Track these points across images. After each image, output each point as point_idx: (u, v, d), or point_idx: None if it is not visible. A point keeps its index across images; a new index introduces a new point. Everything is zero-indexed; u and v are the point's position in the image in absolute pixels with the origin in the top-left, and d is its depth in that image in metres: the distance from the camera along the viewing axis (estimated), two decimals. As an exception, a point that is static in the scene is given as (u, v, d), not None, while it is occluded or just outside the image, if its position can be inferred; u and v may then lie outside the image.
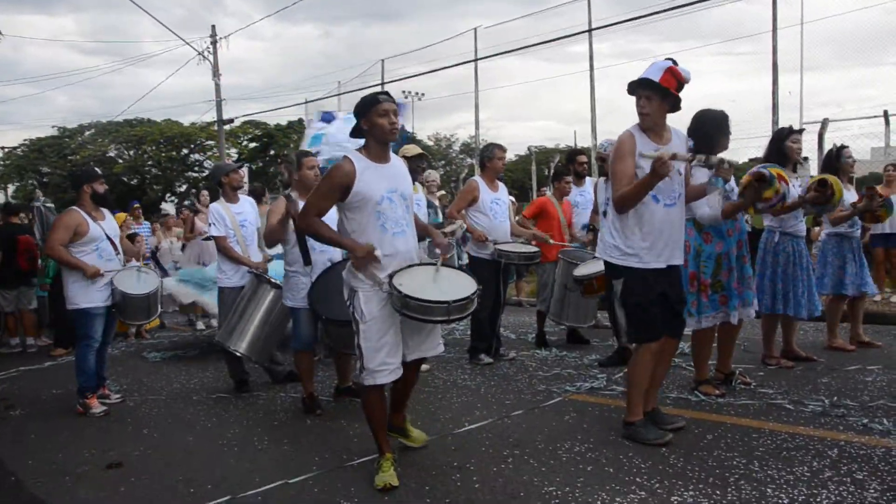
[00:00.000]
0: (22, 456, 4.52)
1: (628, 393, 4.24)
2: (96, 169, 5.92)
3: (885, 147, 12.54)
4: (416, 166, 6.20)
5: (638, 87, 3.97)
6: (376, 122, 3.65)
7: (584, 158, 7.48)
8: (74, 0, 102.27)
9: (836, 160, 6.24)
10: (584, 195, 7.30)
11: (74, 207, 5.58)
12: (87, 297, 5.44)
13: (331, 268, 5.05)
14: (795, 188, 5.40)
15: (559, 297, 6.86)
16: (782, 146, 5.45)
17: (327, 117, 6.84)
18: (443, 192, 11.82)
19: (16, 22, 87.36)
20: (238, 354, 5.71)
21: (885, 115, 12.00)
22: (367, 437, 4.40)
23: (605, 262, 4.22)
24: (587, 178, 7.45)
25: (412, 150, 6.33)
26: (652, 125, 4.00)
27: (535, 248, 6.70)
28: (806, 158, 14.54)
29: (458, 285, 3.68)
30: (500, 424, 4.62)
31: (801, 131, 5.68)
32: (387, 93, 3.78)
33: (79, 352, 5.53)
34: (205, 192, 10.16)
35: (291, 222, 4.93)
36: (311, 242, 5.01)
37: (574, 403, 5.04)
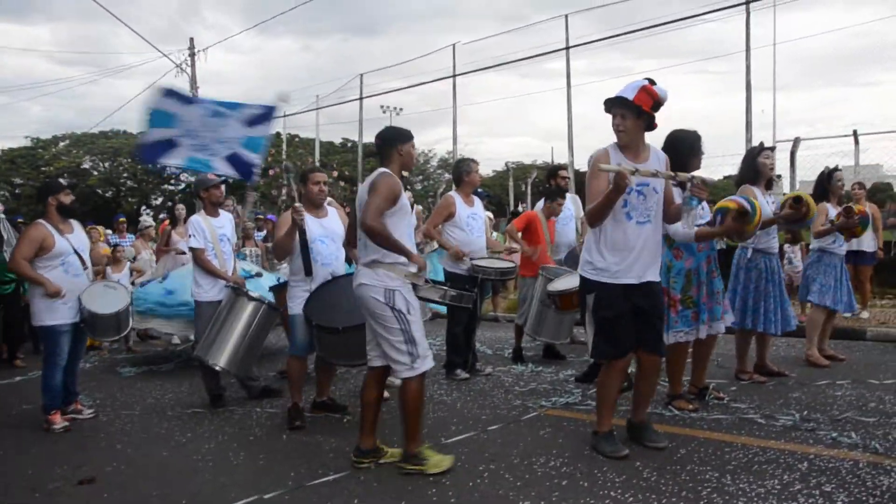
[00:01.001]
0: (-8, 472, 4.46)
1: (597, 407, 4.32)
2: (61, 180, 5.86)
3: (855, 166, 12.77)
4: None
5: (613, 105, 4.04)
6: (410, 152, 4.22)
7: (565, 173, 7.56)
8: (50, 9, 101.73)
9: (827, 181, 6.49)
10: (565, 211, 7.36)
11: (41, 221, 5.48)
12: (53, 314, 5.34)
13: (331, 280, 5.17)
14: (770, 205, 5.52)
15: (537, 312, 6.90)
16: (755, 163, 5.57)
17: (184, 95, 6.16)
18: (419, 207, 11.87)
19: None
20: (217, 369, 5.66)
21: (855, 134, 12.25)
22: (343, 453, 4.43)
23: (581, 277, 4.28)
24: (567, 195, 7.53)
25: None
26: (628, 143, 4.06)
27: (511, 264, 6.75)
28: (779, 176, 14.83)
29: None
30: (476, 439, 4.64)
31: (772, 148, 5.83)
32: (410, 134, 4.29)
33: (45, 370, 5.43)
34: (180, 206, 10.10)
35: (298, 234, 5.07)
36: (314, 255, 5.14)
37: (549, 418, 5.07)
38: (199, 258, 5.92)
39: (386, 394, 5.81)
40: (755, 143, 14.74)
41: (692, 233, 4.63)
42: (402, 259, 4.02)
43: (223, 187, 6.34)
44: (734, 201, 4.53)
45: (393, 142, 4.18)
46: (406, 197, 4.19)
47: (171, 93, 5.74)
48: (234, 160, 5.69)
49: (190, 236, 5.98)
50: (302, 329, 5.15)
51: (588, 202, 4.06)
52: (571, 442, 4.47)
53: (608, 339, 4.14)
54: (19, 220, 12.56)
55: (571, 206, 7.51)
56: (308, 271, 5.13)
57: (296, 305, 5.17)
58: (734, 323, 5.68)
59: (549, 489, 3.68)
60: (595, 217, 4.00)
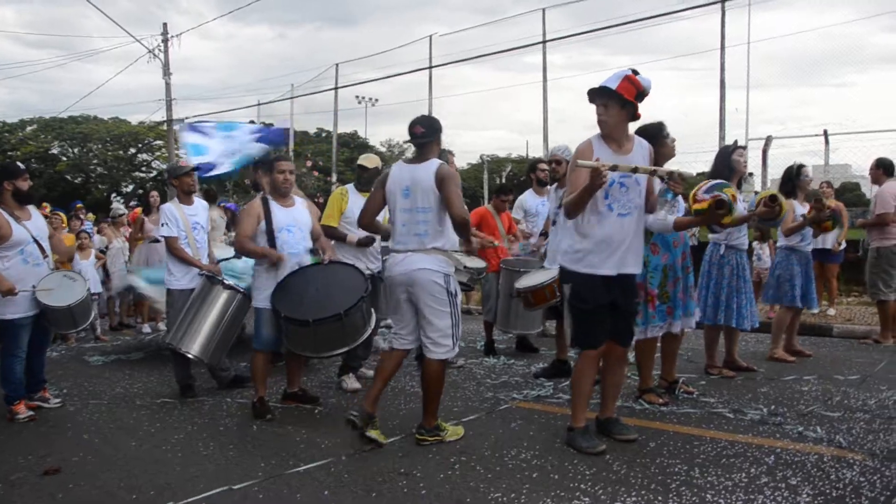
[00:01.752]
0: (-47, 462, 4.36)
1: (572, 400, 4.31)
2: (19, 164, 5.63)
3: (825, 165, 12.99)
4: (374, 177, 6.19)
5: (596, 95, 4.03)
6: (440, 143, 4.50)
7: (544, 167, 7.54)
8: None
9: (795, 177, 6.53)
10: (547, 204, 7.35)
11: None
12: (11, 306, 5.16)
13: (298, 270, 5.10)
14: (741, 202, 5.58)
15: (504, 306, 6.89)
16: (729, 161, 5.62)
17: (203, 129, 7.26)
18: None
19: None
20: (189, 357, 5.58)
21: (825, 133, 12.45)
22: (313, 444, 4.41)
23: (559, 267, 4.29)
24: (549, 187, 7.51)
25: (373, 160, 6.28)
26: (610, 132, 4.07)
27: (483, 263, 6.73)
28: (751, 174, 14.99)
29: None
30: (448, 431, 4.64)
31: (745, 147, 5.90)
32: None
33: (4, 361, 5.28)
34: (154, 193, 9.97)
35: (265, 224, 5.10)
36: (280, 244, 5.09)
37: (521, 411, 5.09)
38: (171, 246, 5.87)
39: (356, 385, 5.84)
40: (729, 140, 14.93)
41: (669, 223, 4.63)
42: (452, 246, 4.40)
43: (195, 175, 6.28)
44: (712, 196, 4.56)
45: (435, 132, 4.42)
46: None
47: (193, 127, 7.32)
48: (261, 136, 6.92)
49: (162, 224, 5.91)
50: (268, 323, 5.08)
51: (568, 194, 4.06)
52: (542, 434, 4.49)
53: (584, 329, 4.17)
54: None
55: (556, 199, 7.50)
56: (275, 265, 5.07)
57: (262, 297, 5.09)
58: (705, 318, 5.75)
59: (519, 481, 3.69)
60: (573, 210, 4.01)
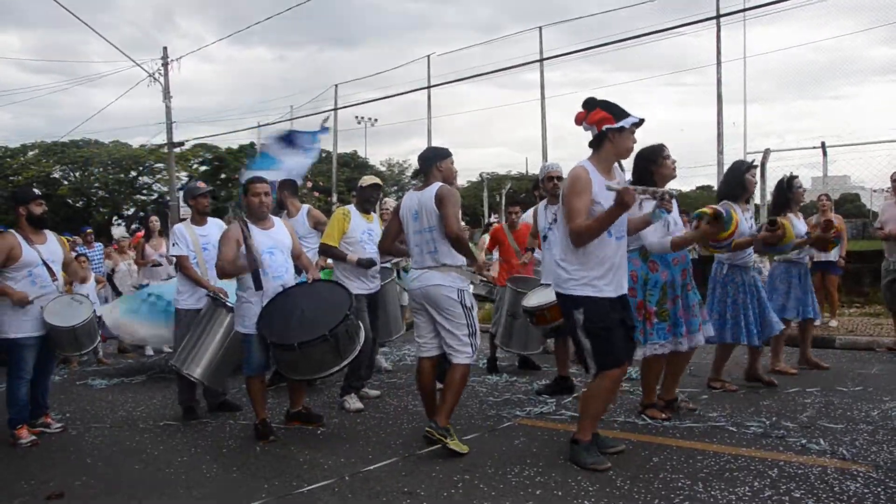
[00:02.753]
0: (-43, 488, 4.36)
1: (582, 418, 4.25)
2: (34, 189, 5.72)
3: (824, 177, 13.02)
4: (372, 196, 6.24)
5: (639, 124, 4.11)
6: (449, 168, 4.76)
7: (557, 179, 7.50)
8: (20, 16, 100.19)
9: (787, 189, 6.36)
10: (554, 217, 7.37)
11: (11, 231, 5.41)
12: (17, 326, 5.23)
13: (283, 293, 5.05)
14: (748, 221, 5.58)
15: (506, 324, 6.92)
16: (742, 180, 5.60)
17: (287, 140, 6.92)
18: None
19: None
20: (192, 379, 5.59)
21: (823, 146, 12.48)
22: (316, 464, 4.41)
23: (559, 295, 4.24)
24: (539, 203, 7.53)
25: (369, 179, 6.31)
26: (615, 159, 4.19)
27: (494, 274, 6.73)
28: (750, 187, 15.07)
29: None
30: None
31: (756, 166, 5.89)
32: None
33: (9, 383, 5.32)
34: (153, 218, 10.02)
35: (244, 248, 5.02)
36: (262, 267, 5.03)
37: (524, 428, 5.09)
38: (181, 265, 5.93)
39: (359, 405, 5.83)
40: (727, 154, 14.97)
41: (667, 242, 4.71)
42: (465, 262, 4.64)
43: (209, 197, 6.29)
44: (711, 207, 4.62)
45: (432, 160, 4.73)
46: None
47: (282, 138, 6.70)
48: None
49: (173, 244, 5.99)
50: (256, 349, 5.04)
51: (570, 219, 4.01)
52: (545, 451, 4.49)
53: (605, 349, 4.08)
54: (-14, 229, 12.34)
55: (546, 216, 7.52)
56: (258, 285, 5.01)
57: (248, 323, 5.05)
58: (714, 337, 5.65)
59: (523, 499, 3.69)
60: (591, 235, 3.97)
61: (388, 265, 6.88)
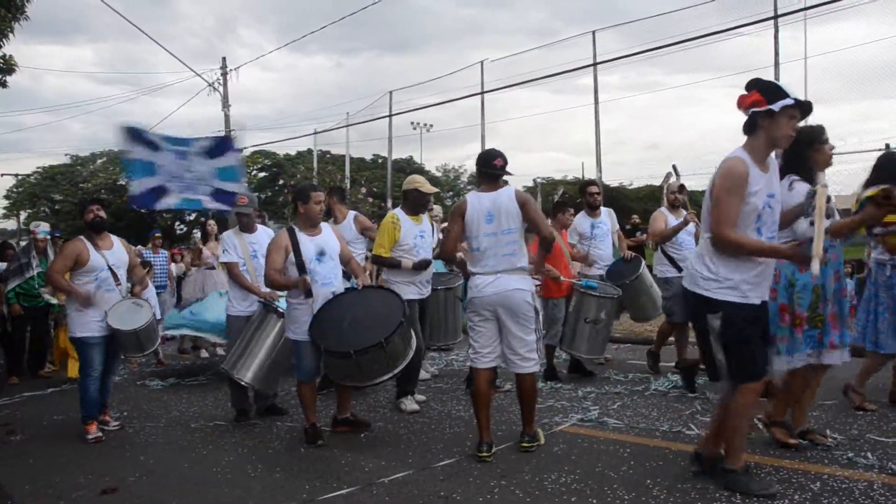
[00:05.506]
0: (20, 480, 4.61)
1: (729, 439, 3.87)
2: (99, 198, 6.04)
3: (888, 182, 12.58)
4: (428, 201, 6.32)
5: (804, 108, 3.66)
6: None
7: (595, 189, 7.53)
8: (93, 31, 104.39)
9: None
10: (601, 226, 7.38)
11: (80, 237, 5.73)
12: (83, 326, 5.55)
13: (333, 299, 5.07)
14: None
15: (577, 328, 6.83)
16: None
17: (149, 137, 6.70)
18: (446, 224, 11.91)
19: (36, 52, 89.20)
20: (242, 384, 5.71)
21: (887, 148, 12.07)
22: (357, 467, 4.50)
23: (693, 294, 3.80)
24: (602, 209, 7.51)
25: (423, 184, 6.23)
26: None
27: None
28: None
29: None
30: (489, 455, 4.67)
31: None
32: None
33: (80, 381, 5.65)
34: (211, 222, 10.32)
35: (292, 256, 5.08)
36: (311, 275, 5.03)
37: (564, 435, 5.08)
38: (230, 272, 6.09)
39: (415, 406, 5.91)
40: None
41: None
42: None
43: (253, 214, 6.46)
44: (880, 187, 4.14)
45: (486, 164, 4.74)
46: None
47: (136, 133, 6.46)
48: (218, 196, 6.54)
49: (223, 251, 6.18)
50: (308, 355, 5.08)
51: (719, 222, 3.62)
52: (584, 459, 4.49)
53: (743, 359, 3.69)
54: (57, 234, 12.92)
55: (608, 220, 7.53)
56: (308, 293, 5.03)
57: (298, 331, 5.08)
58: (877, 346, 5.29)
59: (557, 505, 3.71)
60: (738, 252, 3.63)
61: (447, 270, 6.99)
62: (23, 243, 9.66)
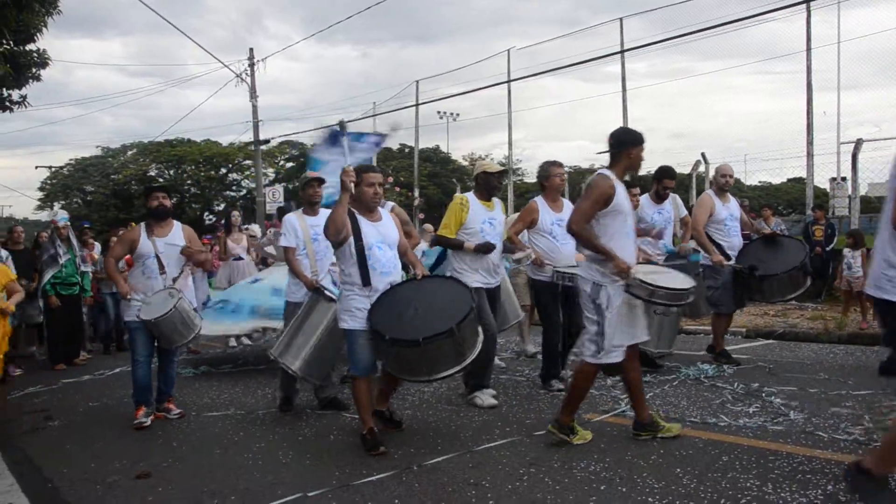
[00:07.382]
0: (58, 465, 4.73)
1: (884, 444, 3.52)
2: (161, 184, 6.16)
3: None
4: (500, 183, 6.11)
5: None
6: (639, 156, 4.56)
7: (671, 184, 7.14)
8: (123, 24, 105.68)
9: None
10: (663, 213, 7.10)
11: (141, 224, 5.96)
12: (127, 311, 5.73)
13: (391, 289, 4.66)
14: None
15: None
16: None
17: (335, 139, 6.48)
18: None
19: (67, 46, 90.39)
20: (288, 370, 5.48)
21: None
22: (387, 454, 4.51)
23: (882, 301, 3.37)
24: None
25: (493, 165, 6.09)
26: None
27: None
28: (843, 178, 14.38)
29: (679, 279, 4.60)
30: (519, 443, 4.68)
31: None
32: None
33: (132, 364, 5.80)
34: (235, 213, 10.40)
35: (352, 241, 4.64)
36: (371, 262, 4.63)
37: (593, 424, 5.06)
38: (286, 257, 5.86)
39: (493, 401, 5.71)
40: (816, 144, 14.38)
41: None
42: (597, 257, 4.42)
43: (319, 187, 6.10)
44: None
45: (625, 144, 4.53)
46: (624, 197, 4.48)
47: (334, 136, 6.40)
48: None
49: (282, 235, 5.92)
50: (363, 347, 4.63)
51: None
52: (613, 447, 4.47)
53: None
54: (86, 225, 13.17)
55: (671, 208, 7.20)
56: (366, 281, 4.61)
57: (353, 320, 4.63)
58: None
59: (586, 493, 3.70)
60: None
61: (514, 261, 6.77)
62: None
